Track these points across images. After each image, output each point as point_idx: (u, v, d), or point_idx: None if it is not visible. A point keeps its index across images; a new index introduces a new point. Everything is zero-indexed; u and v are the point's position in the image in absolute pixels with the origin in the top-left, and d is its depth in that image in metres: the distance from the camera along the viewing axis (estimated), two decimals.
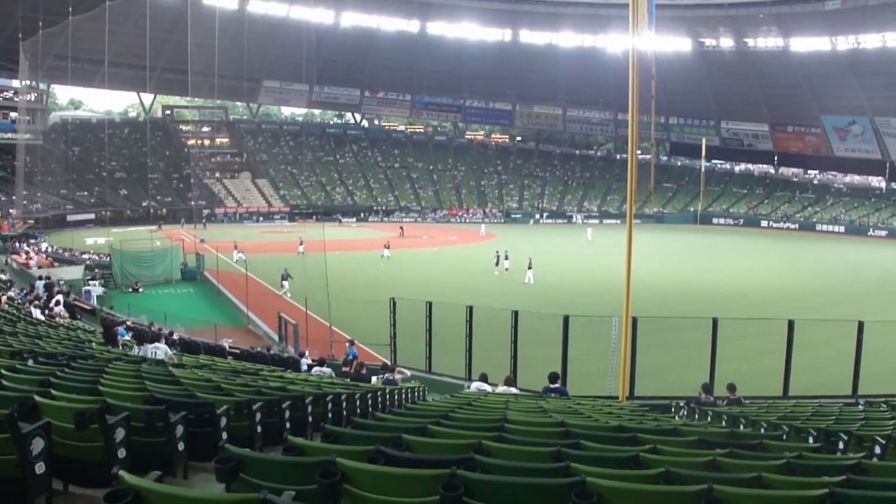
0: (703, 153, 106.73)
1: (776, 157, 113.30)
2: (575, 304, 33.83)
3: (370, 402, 12.27)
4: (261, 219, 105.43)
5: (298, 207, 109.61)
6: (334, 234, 75.95)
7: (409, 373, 18.31)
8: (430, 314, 22.23)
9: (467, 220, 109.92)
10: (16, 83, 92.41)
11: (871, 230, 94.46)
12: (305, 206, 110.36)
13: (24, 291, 32.41)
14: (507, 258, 49.61)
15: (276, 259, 53.73)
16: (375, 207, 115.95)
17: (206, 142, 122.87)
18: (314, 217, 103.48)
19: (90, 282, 42.02)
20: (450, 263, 54.79)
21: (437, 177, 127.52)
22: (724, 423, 11.84)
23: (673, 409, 16.09)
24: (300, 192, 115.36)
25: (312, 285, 32.49)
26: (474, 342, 21.14)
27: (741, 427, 11.19)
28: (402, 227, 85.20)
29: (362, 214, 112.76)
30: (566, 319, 18.88)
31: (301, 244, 58.63)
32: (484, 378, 15.99)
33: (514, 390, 15.21)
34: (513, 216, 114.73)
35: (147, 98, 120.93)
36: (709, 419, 12.93)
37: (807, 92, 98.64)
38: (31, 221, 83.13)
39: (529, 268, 44.68)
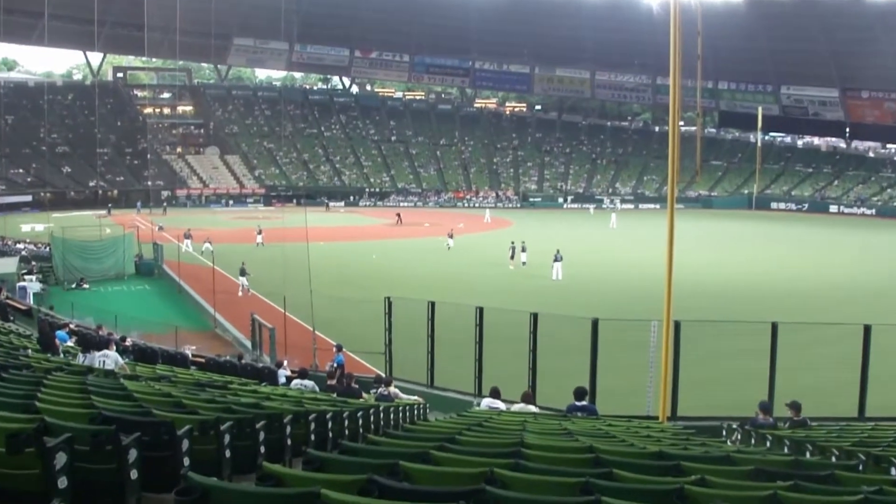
0: (759, 124, 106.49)
1: (848, 129, 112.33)
2: (605, 305, 33.77)
3: (361, 421, 12.24)
4: (231, 202, 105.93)
5: (276, 189, 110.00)
6: (319, 220, 76.04)
7: (414, 398, 18.25)
8: (433, 316, 22.19)
9: (477, 205, 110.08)
10: None
11: None
12: (284, 187, 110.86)
13: None
14: (524, 250, 49.57)
15: (249, 250, 53.83)
16: (368, 189, 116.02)
17: (166, 110, 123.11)
18: (295, 200, 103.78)
19: (26, 276, 42.12)
20: (457, 256, 54.79)
21: (441, 153, 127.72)
22: (786, 450, 11.78)
23: (724, 433, 16.03)
24: (278, 170, 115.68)
25: (292, 281, 32.52)
26: (485, 350, 21.10)
27: (807, 455, 11.12)
28: (398, 214, 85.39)
29: (352, 198, 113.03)
30: (595, 323, 18.83)
31: (259, 233, 58.80)
32: (496, 394, 15.95)
33: (532, 408, 15.16)
34: (531, 200, 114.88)
35: (95, 58, 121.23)
36: (768, 445, 12.87)
37: (886, 49, 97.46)
38: None
39: (557, 260, 44.73)
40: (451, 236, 59.79)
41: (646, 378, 18.66)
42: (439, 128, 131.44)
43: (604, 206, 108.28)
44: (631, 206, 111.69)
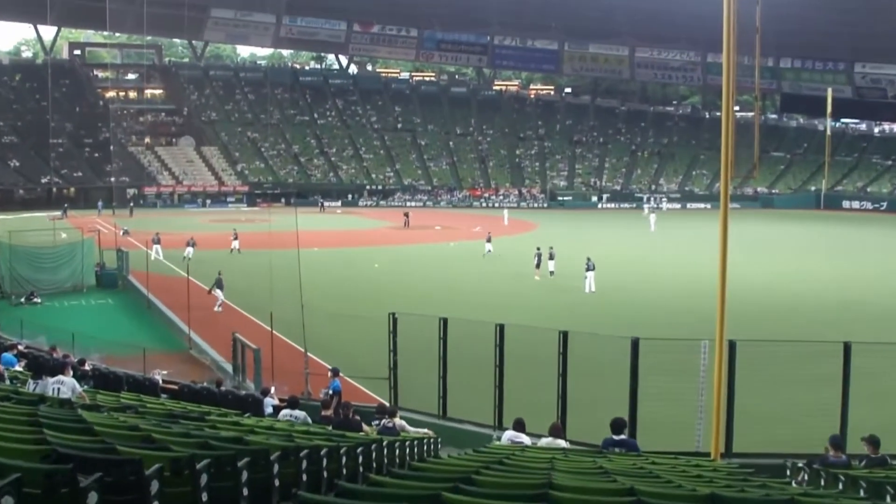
0: (829, 109, 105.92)
1: None
2: (647, 322, 33.82)
3: (361, 459, 12.24)
4: (209, 202, 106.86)
5: (261, 187, 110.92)
6: (312, 223, 76.28)
7: (423, 431, 18.26)
8: (445, 336, 22.18)
9: (497, 205, 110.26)
10: None
11: None
12: (271, 184, 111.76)
13: None
14: (552, 257, 49.61)
15: (226, 258, 53.95)
16: (369, 187, 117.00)
17: (132, 94, 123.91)
18: (284, 200, 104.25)
19: None
20: (472, 265, 54.88)
21: (455, 144, 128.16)
22: (862, 493, 11.70)
23: (788, 472, 15.96)
24: (264, 165, 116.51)
25: (280, 294, 32.61)
26: (507, 375, 21.08)
27: (888, 498, 11.06)
28: (406, 215, 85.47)
29: (351, 196, 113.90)
30: (635, 344, 18.78)
31: (235, 238, 59.12)
32: (520, 426, 15.92)
33: (562, 443, 15.12)
34: (560, 199, 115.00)
35: (48, 32, 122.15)
36: (840, 487, 12.80)
37: None
38: None
39: (590, 269, 44.72)
40: (489, 240, 59.90)
41: (695, 408, 18.60)
42: (452, 115, 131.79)
43: (651, 205, 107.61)
44: (677, 205, 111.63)
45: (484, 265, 54.62)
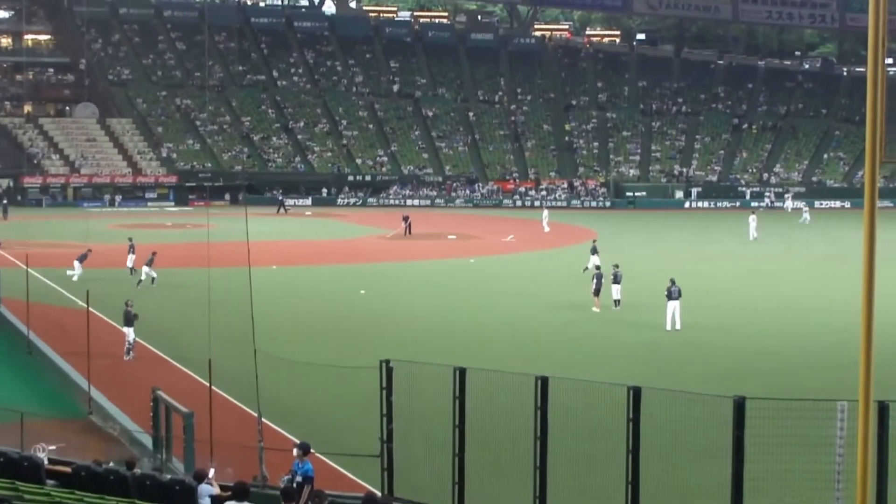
0: None
1: None
2: (754, 374, 33.85)
3: None
4: (119, 199, 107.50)
5: (196, 177, 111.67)
6: (270, 230, 75.99)
7: None
8: (463, 393, 22.15)
9: (537, 202, 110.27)
10: None
11: None
12: (211, 174, 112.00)
13: None
14: (616, 280, 49.42)
15: (146, 284, 53.99)
16: (352, 177, 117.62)
17: (4, 40, 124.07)
18: (228, 196, 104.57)
19: None
20: (502, 290, 54.86)
21: (478, 115, 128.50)
22: None
23: None
24: (199, 145, 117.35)
25: (223, 334, 32.54)
26: (552, 451, 21.04)
27: None
28: (406, 219, 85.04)
29: (326, 191, 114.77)
30: (739, 406, 18.72)
31: (131, 250, 59.22)
32: None
33: None
34: (629, 194, 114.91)
35: None
36: None
37: None
38: None
39: (673, 296, 44.47)
40: (595, 251, 57.93)
41: (830, 496, 18.55)
42: (473, 74, 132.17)
43: (792, 203, 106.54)
44: (800, 202, 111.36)
45: (509, 291, 54.48)
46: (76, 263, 54.96)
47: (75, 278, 53.41)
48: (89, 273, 54.00)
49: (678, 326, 43.88)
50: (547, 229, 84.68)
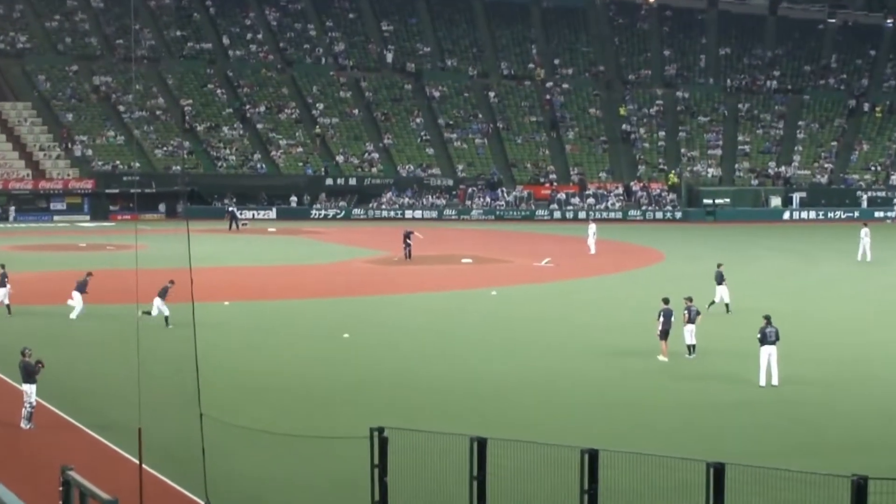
0: None
1: None
2: (878, 446, 33.91)
3: None
4: (13, 211, 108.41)
5: (119, 181, 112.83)
6: (220, 252, 76.55)
7: None
8: (482, 471, 22.48)
9: (581, 213, 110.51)
10: None
11: None
12: (139, 177, 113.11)
13: None
14: (690, 318, 49.54)
15: (49, 314, 54.28)
16: (332, 181, 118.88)
17: None
18: (163, 207, 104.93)
19: None
20: (534, 333, 55.10)
21: (501, 92, 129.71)
22: None
23: None
24: (123, 138, 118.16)
25: (160, 393, 32.82)
26: None
27: None
28: (407, 236, 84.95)
29: (297, 199, 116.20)
30: (860, 488, 18.99)
31: (2, 281, 59.64)
32: None
33: None
34: (707, 202, 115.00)
35: None
36: None
37: None
38: None
39: (769, 340, 44.52)
40: (721, 280, 59.05)
41: None
42: (495, 38, 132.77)
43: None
44: None
45: (566, 332, 54.70)
46: (76, 295, 56.00)
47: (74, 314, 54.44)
48: None
49: (775, 381, 43.98)
50: (593, 250, 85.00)
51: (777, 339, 44.39)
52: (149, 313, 51.02)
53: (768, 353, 44.17)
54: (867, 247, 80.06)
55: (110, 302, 55.61)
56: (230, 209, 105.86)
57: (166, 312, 52.78)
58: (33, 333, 48.11)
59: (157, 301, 53.66)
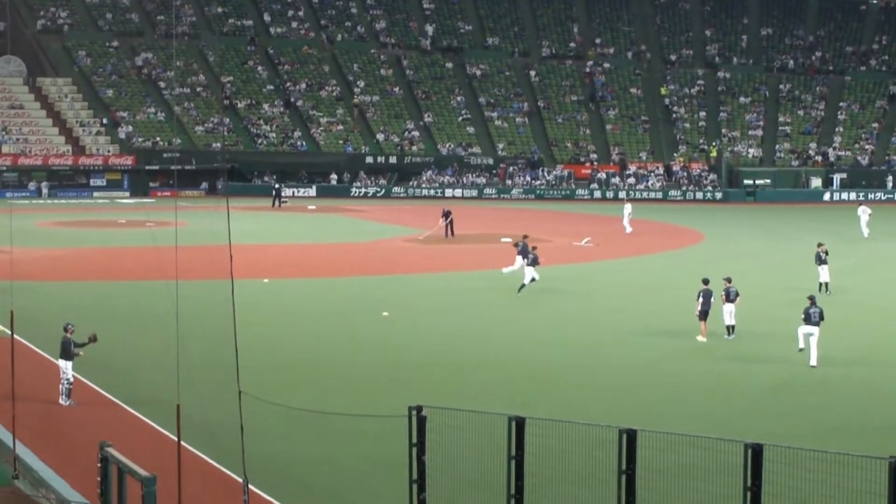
0: None
1: None
2: None
3: None
4: (45, 187, 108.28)
5: (160, 158, 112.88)
6: (261, 229, 76.53)
7: None
8: (521, 450, 22.32)
9: (622, 192, 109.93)
10: None
11: None
12: (179, 154, 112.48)
13: None
14: (729, 298, 49.25)
15: (82, 298, 54.22)
16: (372, 160, 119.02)
17: None
18: (206, 185, 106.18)
19: None
20: (573, 312, 55.16)
21: (542, 74, 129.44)
22: None
23: None
24: (163, 115, 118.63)
25: (197, 371, 32.67)
26: None
27: None
28: (447, 215, 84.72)
29: (337, 178, 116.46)
30: None
31: None
32: None
33: None
34: (747, 183, 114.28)
35: None
36: None
37: None
38: None
39: (812, 320, 44.17)
40: (822, 260, 59.59)
41: None
42: (536, 17, 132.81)
43: None
44: None
45: (605, 312, 54.51)
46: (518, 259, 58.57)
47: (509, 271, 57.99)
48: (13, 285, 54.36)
49: (813, 362, 43.73)
50: (629, 229, 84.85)
51: (822, 318, 44.14)
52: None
53: (812, 334, 43.90)
54: (864, 223, 79.91)
55: (148, 278, 55.55)
56: (276, 185, 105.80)
57: (533, 276, 56.79)
58: (76, 309, 48.05)
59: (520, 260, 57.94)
